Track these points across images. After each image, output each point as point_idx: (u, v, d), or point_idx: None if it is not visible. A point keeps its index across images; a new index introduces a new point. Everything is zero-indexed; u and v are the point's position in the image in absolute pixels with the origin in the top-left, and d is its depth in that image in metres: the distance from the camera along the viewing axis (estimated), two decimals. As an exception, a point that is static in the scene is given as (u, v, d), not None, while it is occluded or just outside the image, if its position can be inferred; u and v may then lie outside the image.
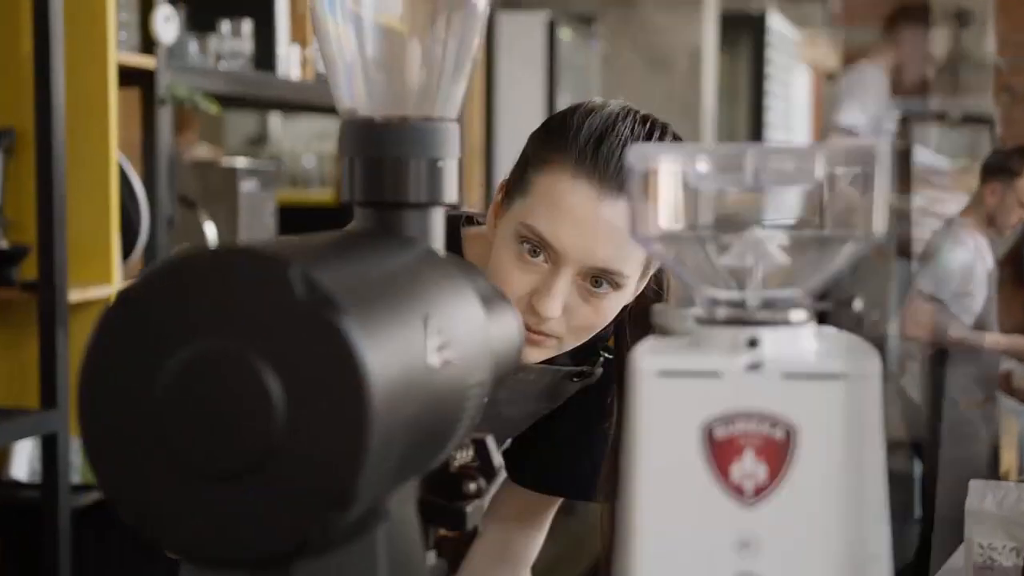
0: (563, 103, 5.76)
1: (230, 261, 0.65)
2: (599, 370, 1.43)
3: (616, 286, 1.25)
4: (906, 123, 4.75)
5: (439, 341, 0.73)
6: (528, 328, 1.24)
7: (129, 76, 2.67)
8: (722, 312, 0.74)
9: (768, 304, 0.74)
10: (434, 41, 0.86)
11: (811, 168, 0.72)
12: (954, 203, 4.42)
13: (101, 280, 2.56)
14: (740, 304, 0.74)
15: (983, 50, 9.54)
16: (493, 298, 0.90)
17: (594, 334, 1.30)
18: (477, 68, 4.63)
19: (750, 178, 0.74)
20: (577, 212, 1.22)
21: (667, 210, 0.74)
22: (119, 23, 2.63)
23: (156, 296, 0.66)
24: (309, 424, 0.63)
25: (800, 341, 0.72)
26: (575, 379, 1.42)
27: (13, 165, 2.49)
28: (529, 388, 1.40)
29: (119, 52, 2.59)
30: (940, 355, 4.36)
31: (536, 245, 1.24)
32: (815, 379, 0.70)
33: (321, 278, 0.65)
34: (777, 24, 7.47)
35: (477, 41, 0.87)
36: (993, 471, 4.29)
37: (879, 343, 4.68)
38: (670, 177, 0.74)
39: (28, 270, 2.45)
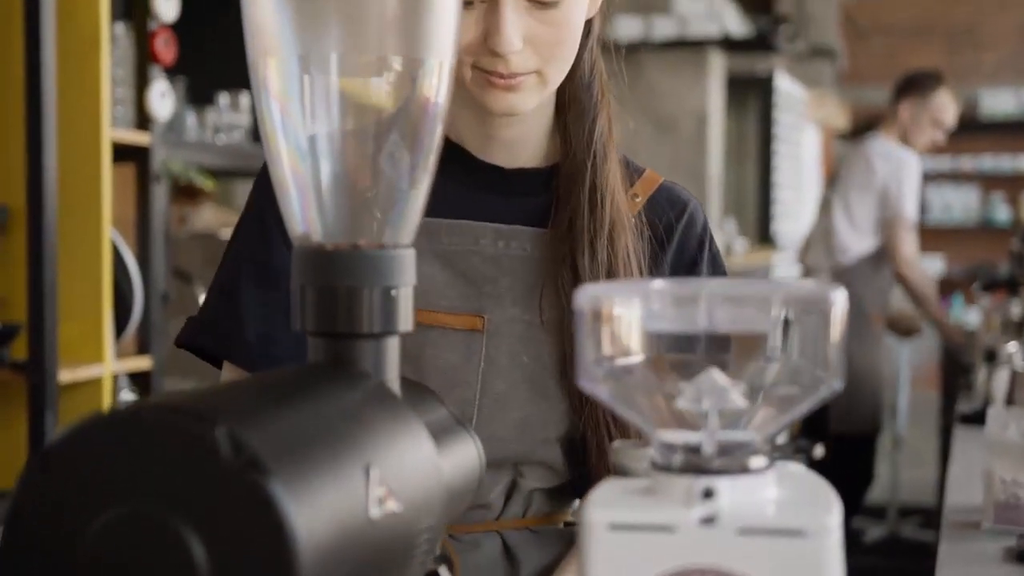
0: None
1: (155, 420, 0.63)
2: None
3: None
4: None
5: (382, 491, 0.71)
6: (499, 75, 1.16)
7: (124, 152, 2.66)
8: (677, 459, 0.71)
9: (725, 450, 0.71)
10: (388, 167, 0.84)
11: (766, 312, 0.70)
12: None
13: (93, 360, 2.53)
14: (696, 449, 0.71)
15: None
16: (448, 428, 0.87)
17: (573, 52, 1.20)
18: None
19: (704, 319, 0.71)
20: None
21: (617, 351, 0.72)
22: (115, 99, 2.62)
23: (79, 456, 0.63)
24: (232, 596, 0.60)
25: (758, 491, 0.70)
26: None
27: (5, 242, 2.48)
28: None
29: (114, 129, 2.59)
30: (854, 269, 4.44)
31: None
32: (772, 535, 0.67)
33: (249, 437, 0.62)
34: (785, 84, 7.48)
35: (432, 166, 0.85)
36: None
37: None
38: (620, 318, 0.71)
39: (18, 349, 2.43)
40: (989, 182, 10.08)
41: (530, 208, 1.25)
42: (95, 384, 2.55)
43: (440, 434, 0.83)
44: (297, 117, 0.82)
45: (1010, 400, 2.88)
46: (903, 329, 4.93)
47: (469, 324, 1.20)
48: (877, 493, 5.90)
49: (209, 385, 0.77)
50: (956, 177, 10.11)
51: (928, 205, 10.15)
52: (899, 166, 4.43)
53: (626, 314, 0.71)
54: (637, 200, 1.27)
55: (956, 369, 4.74)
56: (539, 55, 1.16)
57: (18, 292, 2.46)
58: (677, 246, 1.28)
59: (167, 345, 2.84)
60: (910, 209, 4.34)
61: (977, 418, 2.84)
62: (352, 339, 0.81)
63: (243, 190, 3.87)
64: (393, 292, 0.82)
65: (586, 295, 0.71)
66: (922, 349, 6.51)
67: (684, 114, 5.51)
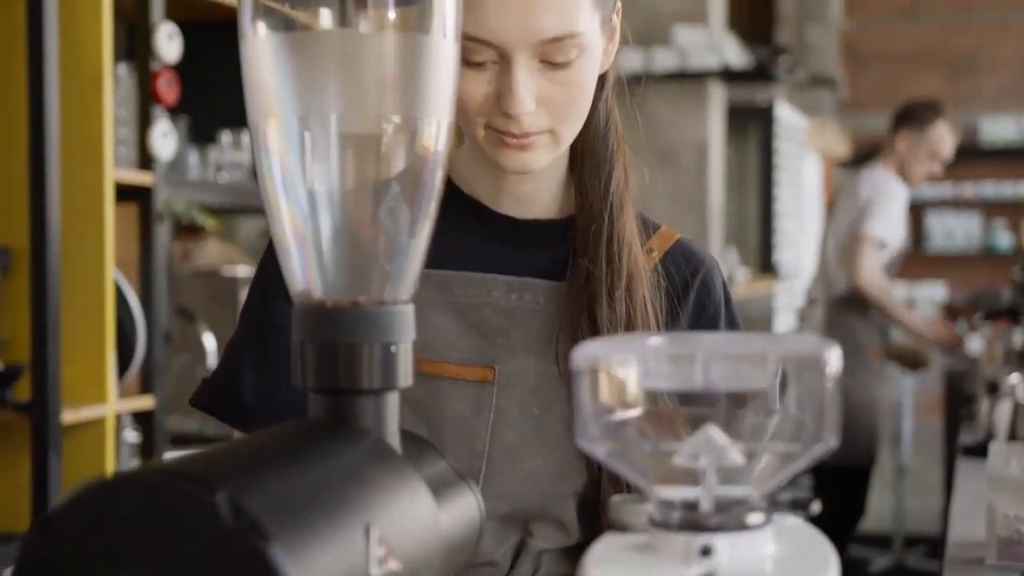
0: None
1: (156, 485, 0.63)
2: None
3: (578, 49, 1.14)
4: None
5: (382, 550, 0.71)
6: (512, 135, 1.15)
7: (127, 192, 2.68)
8: (675, 516, 0.71)
9: (723, 506, 0.72)
10: (387, 223, 0.85)
11: (762, 370, 0.70)
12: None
13: (96, 400, 2.54)
14: (694, 505, 0.71)
15: (829, 12, 9.61)
16: (448, 481, 0.88)
17: (585, 110, 1.18)
18: None
19: (701, 377, 0.72)
20: None
21: (614, 408, 0.72)
22: (117, 139, 2.64)
23: (81, 521, 0.64)
24: (231, 664, 0.61)
25: (756, 547, 0.70)
26: None
27: (9, 284, 2.49)
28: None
29: (117, 169, 2.60)
30: (847, 299, 4.44)
31: (474, 49, 1.12)
32: (770, 593, 0.67)
33: (249, 501, 0.63)
34: (785, 113, 7.50)
35: (431, 220, 0.85)
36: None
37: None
38: (617, 375, 0.72)
39: (22, 390, 2.44)
40: (991, 209, 10.10)
41: (544, 260, 1.25)
42: (98, 424, 2.55)
43: (440, 488, 0.84)
44: (297, 175, 0.83)
45: (1013, 432, 2.88)
46: (910, 363, 4.92)
47: (480, 375, 1.20)
48: (882, 522, 5.89)
49: (210, 447, 0.78)
50: (958, 204, 10.13)
51: (930, 232, 10.17)
52: (880, 188, 4.44)
53: (623, 372, 0.72)
54: (653, 254, 1.27)
55: (959, 398, 4.73)
56: (552, 115, 1.16)
57: (21, 333, 2.47)
58: (695, 305, 1.27)
59: (170, 384, 2.85)
60: (877, 228, 4.32)
61: (980, 450, 2.84)
62: (352, 395, 0.82)
63: (246, 226, 3.89)
64: (393, 348, 0.82)
65: (583, 353, 0.72)
66: (925, 376, 6.51)
67: (685, 145, 5.53)
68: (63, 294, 2.45)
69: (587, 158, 1.25)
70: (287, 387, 1.18)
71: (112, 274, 2.55)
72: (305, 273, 0.84)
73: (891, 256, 4.48)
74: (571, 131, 1.19)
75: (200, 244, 3.98)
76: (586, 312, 1.20)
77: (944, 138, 4.48)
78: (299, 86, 0.82)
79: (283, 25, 0.82)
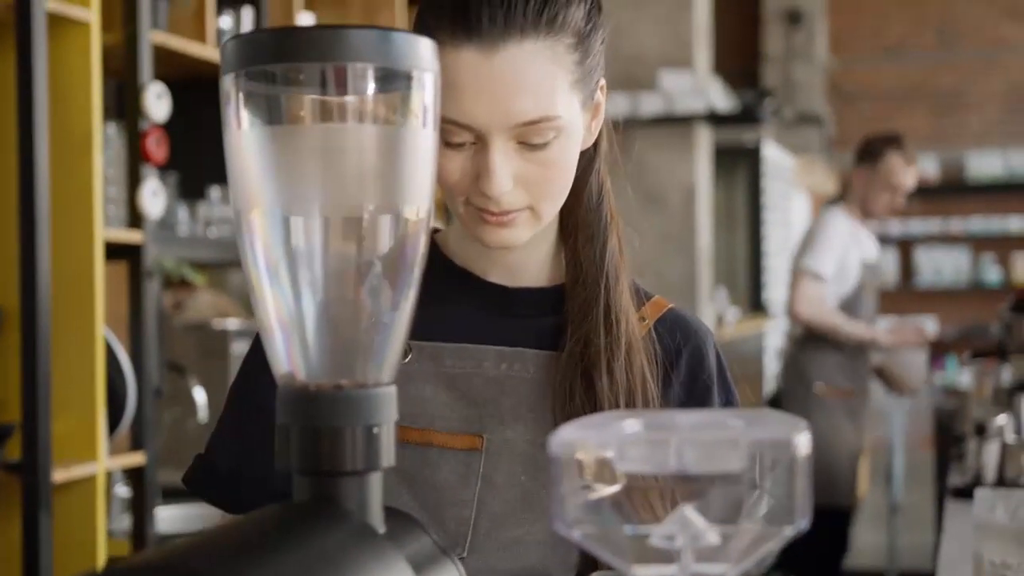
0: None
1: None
2: None
3: (556, 131, 1.14)
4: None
5: (365, 635, 0.73)
6: (491, 212, 1.16)
7: (117, 250, 2.70)
8: (652, 597, 0.73)
9: (699, 586, 0.73)
10: (369, 306, 0.87)
11: (734, 454, 0.72)
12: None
13: (87, 458, 2.55)
14: (671, 586, 0.73)
15: (815, 51, 9.69)
16: (432, 557, 0.89)
17: (565, 187, 1.19)
18: None
19: (674, 461, 0.73)
20: (471, 80, 1.12)
21: (590, 492, 0.74)
22: (107, 198, 2.66)
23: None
24: None
25: (732, 626, 0.72)
26: None
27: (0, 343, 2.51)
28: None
29: (107, 228, 2.62)
30: (801, 339, 4.43)
31: (453, 131, 1.14)
32: (744, 674, 0.69)
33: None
34: (772, 153, 7.55)
35: (411, 307, 0.87)
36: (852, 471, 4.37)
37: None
38: (593, 460, 0.74)
39: (12, 450, 2.44)
40: (979, 243, 10.15)
41: (536, 328, 1.25)
42: (89, 482, 2.56)
43: (423, 565, 0.85)
44: (280, 263, 0.85)
45: (1000, 474, 2.89)
46: (891, 383, 4.91)
47: (468, 444, 1.20)
48: (876, 559, 5.89)
49: (196, 533, 0.79)
50: (946, 239, 10.18)
51: (919, 267, 10.21)
52: (821, 223, 4.45)
53: (599, 456, 0.74)
54: (645, 322, 1.27)
55: (949, 436, 4.74)
56: (530, 193, 1.17)
57: (12, 392, 2.48)
58: (687, 375, 1.28)
59: (161, 438, 2.86)
60: (812, 261, 4.31)
61: (968, 492, 2.84)
62: (335, 477, 0.84)
63: (237, 277, 3.91)
64: (375, 430, 0.84)
65: (560, 439, 0.74)
66: (918, 410, 6.53)
67: (673, 187, 5.56)
68: (54, 353, 2.47)
69: (580, 230, 1.26)
70: (268, 469, 1.20)
71: (102, 332, 2.57)
72: (289, 357, 0.86)
73: (851, 290, 4.46)
74: (551, 207, 1.20)
75: (192, 295, 3.99)
76: (582, 382, 1.21)
77: (897, 169, 4.48)
78: (282, 178, 0.84)
79: (266, 118, 0.84)
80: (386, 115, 0.84)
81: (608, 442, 0.74)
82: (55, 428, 2.47)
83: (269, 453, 1.15)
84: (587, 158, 1.24)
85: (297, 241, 0.85)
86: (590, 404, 1.20)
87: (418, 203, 0.86)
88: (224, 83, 0.83)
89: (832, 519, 4.42)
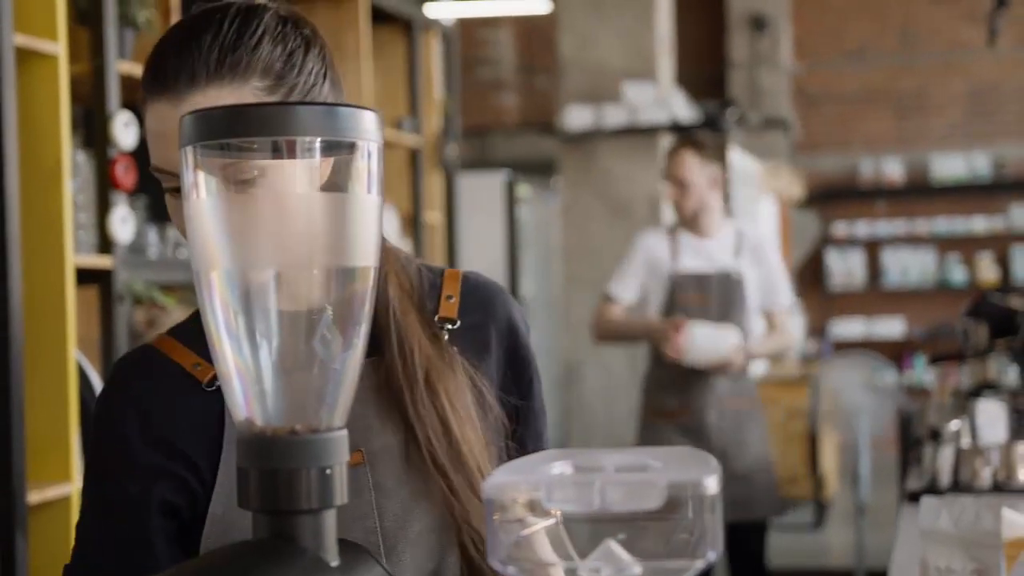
0: (524, 256, 5.89)
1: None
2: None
3: (259, 170, 1.15)
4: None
5: (318, 665, 0.80)
6: None
7: (87, 275, 2.75)
8: (578, 625, 0.80)
9: (623, 614, 0.81)
10: (321, 354, 0.94)
11: (653, 495, 0.79)
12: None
13: (60, 479, 2.60)
14: (596, 614, 0.81)
15: (780, 55, 9.82)
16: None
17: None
18: (439, 231, 4.61)
19: (598, 500, 0.81)
20: (166, 128, 1.20)
21: (522, 531, 0.81)
22: (77, 225, 2.72)
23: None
24: None
25: (651, 651, 0.79)
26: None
27: (-27, 368, 2.56)
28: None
29: (77, 254, 2.68)
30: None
31: (166, 179, 1.22)
32: None
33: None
34: (738, 159, 7.64)
35: (359, 362, 0.94)
36: None
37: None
38: (524, 502, 0.81)
39: (-14, 473, 2.50)
40: (944, 244, 10.28)
41: None
42: (63, 503, 2.61)
43: (375, 596, 0.92)
44: (238, 317, 0.92)
45: (955, 478, 2.97)
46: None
47: (352, 461, 1.25)
48: (844, 558, 5.99)
49: (161, 573, 0.86)
50: (912, 240, 10.31)
51: (886, 268, 10.34)
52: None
53: (529, 498, 0.81)
54: (451, 300, 1.34)
55: (909, 438, 4.81)
56: None
57: (-14, 416, 2.53)
58: (500, 339, 1.36)
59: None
60: (611, 285, 4.20)
61: (923, 496, 2.90)
62: (292, 516, 0.91)
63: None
64: (328, 471, 0.91)
65: (492, 483, 0.81)
66: (884, 411, 6.62)
67: (637, 197, 5.65)
68: (27, 376, 2.52)
69: None
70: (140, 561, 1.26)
71: (74, 355, 2.62)
72: (247, 404, 0.93)
73: (649, 296, 4.21)
74: None
75: (165, 311, 4.04)
76: (399, 413, 1.28)
77: (662, 160, 4.31)
78: (237, 240, 0.91)
79: (221, 187, 0.92)
80: (333, 182, 0.91)
81: (537, 484, 0.81)
82: (29, 450, 2.53)
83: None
84: None
85: (252, 297, 0.92)
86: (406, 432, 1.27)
87: (365, 259, 0.93)
88: (183, 155, 0.90)
89: (748, 535, 4.36)
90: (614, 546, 0.81)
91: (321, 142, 0.90)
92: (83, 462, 1.35)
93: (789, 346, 4.43)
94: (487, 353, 1.35)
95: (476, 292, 1.37)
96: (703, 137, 4.27)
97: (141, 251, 2.99)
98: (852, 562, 5.74)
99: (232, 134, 0.90)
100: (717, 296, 4.14)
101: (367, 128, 0.92)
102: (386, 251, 1.32)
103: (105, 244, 2.79)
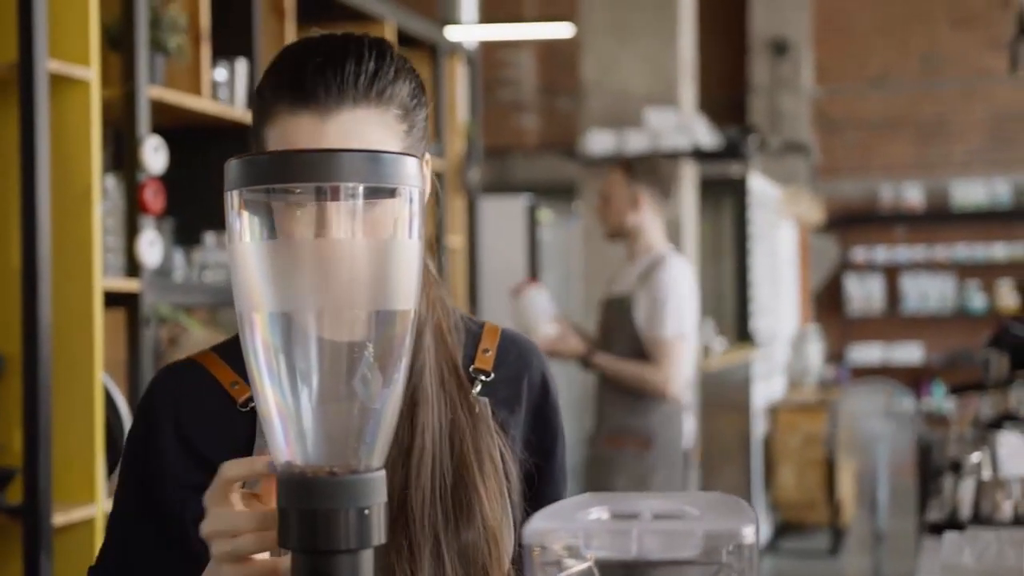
0: (545, 279, 5.90)
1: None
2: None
3: (388, 193, 1.21)
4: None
5: None
6: None
7: (115, 298, 2.78)
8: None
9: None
10: (361, 400, 0.95)
11: (690, 544, 0.80)
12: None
13: (85, 500, 2.62)
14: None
15: (801, 80, 9.79)
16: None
17: None
18: (461, 254, 4.61)
19: (635, 548, 0.82)
20: (308, 142, 1.19)
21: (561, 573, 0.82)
22: (106, 248, 2.74)
23: None
24: None
25: None
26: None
27: (2, 389, 2.58)
28: None
29: (105, 277, 2.70)
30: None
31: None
32: None
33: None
34: (758, 184, 7.65)
35: (398, 402, 0.96)
36: None
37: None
38: (563, 548, 0.82)
39: (14, 494, 2.52)
40: (964, 271, 10.24)
41: None
42: (88, 524, 2.63)
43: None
44: (280, 361, 0.93)
45: (976, 511, 2.96)
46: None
47: None
48: (861, 589, 5.97)
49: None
50: (931, 266, 10.27)
51: (905, 294, 10.31)
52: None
53: (567, 544, 0.82)
54: (487, 354, 1.35)
55: (929, 465, 4.79)
56: None
57: (14, 437, 2.55)
58: (530, 397, 1.36)
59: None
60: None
61: (943, 528, 2.90)
62: (330, 555, 0.92)
63: (230, 315, 3.98)
64: (367, 511, 0.93)
65: (531, 529, 0.82)
66: (902, 438, 6.60)
67: (658, 223, 5.65)
68: (54, 399, 2.55)
69: None
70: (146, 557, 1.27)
71: (101, 378, 2.65)
72: (288, 445, 0.95)
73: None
74: None
75: (186, 332, 4.07)
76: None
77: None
78: (280, 284, 0.93)
79: (265, 232, 0.93)
80: (374, 227, 0.93)
81: (576, 531, 0.82)
82: (55, 472, 2.55)
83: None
84: None
85: (293, 339, 0.93)
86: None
87: (405, 302, 0.94)
88: (228, 199, 0.92)
89: None
90: (649, 593, 0.82)
91: (364, 188, 0.91)
92: (119, 466, 1.35)
93: (650, 380, 3.86)
94: (517, 409, 1.35)
95: (512, 348, 1.38)
96: (646, 163, 4.21)
97: (168, 274, 3.01)
98: (870, 590, 5.73)
99: (277, 179, 0.91)
100: (604, 320, 4.07)
101: (409, 173, 0.93)
102: (431, 299, 1.33)
103: (133, 267, 2.81)
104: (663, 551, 0.81)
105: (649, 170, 4.08)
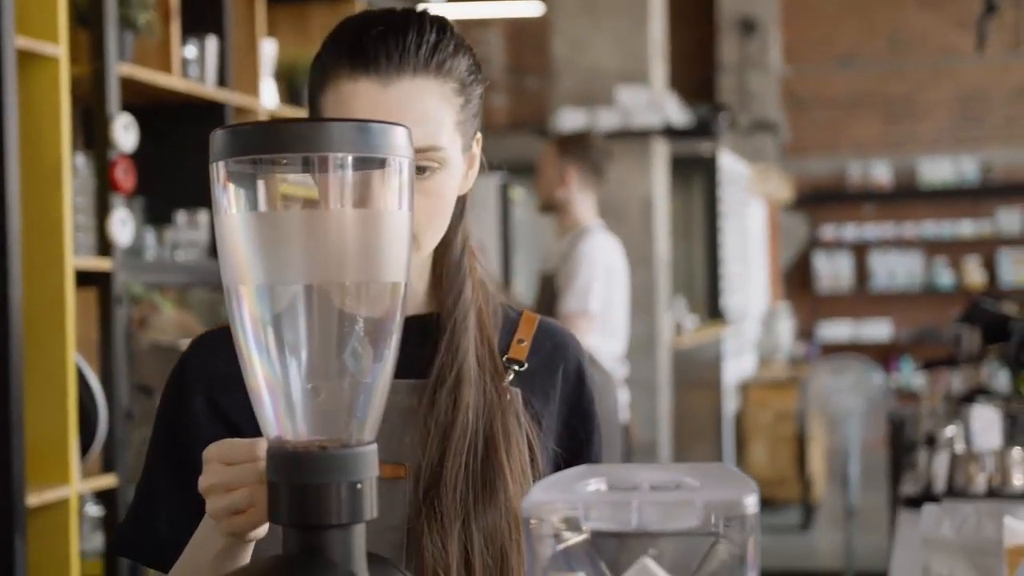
0: (518, 260, 5.89)
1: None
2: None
3: (439, 163, 1.23)
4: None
5: None
6: None
7: (86, 277, 2.75)
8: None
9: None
10: (351, 375, 0.94)
11: (690, 514, 0.80)
12: None
13: (59, 481, 2.60)
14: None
15: (769, 59, 9.84)
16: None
17: (445, 222, 1.27)
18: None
19: (635, 519, 0.81)
20: (367, 107, 1.21)
21: (559, 547, 0.82)
22: (76, 227, 2.71)
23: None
24: None
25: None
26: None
27: (-28, 370, 2.55)
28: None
29: (76, 256, 2.67)
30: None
31: None
32: None
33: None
34: (728, 162, 7.66)
35: (389, 376, 0.94)
36: None
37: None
38: (562, 520, 0.81)
39: (-14, 476, 2.49)
40: (931, 247, 10.31)
41: (412, 357, 1.27)
42: (62, 505, 2.61)
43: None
44: (268, 332, 0.92)
45: (950, 484, 2.98)
46: None
47: (392, 473, 1.24)
48: (833, 560, 6.00)
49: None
50: (899, 243, 10.33)
51: (873, 271, 10.37)
52: None
53: (567, 516, 0.81)
54: (523, 344, 1.34)
55: (901, 440, 4.81)
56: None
57: (-15, 419, 2.52)
58: (565, 386, 1.35)
59: (131, 458, 2.91)
60: None
61: (919, 502, 2.90)
62: (322, 530, 0.91)
63: (201, 295, 3.95)
64: (359, 486, 0.92)
65: (531, 501, 0.81)
66: (872, 414, 6.63)
67: (630, 200, 5.65)
68: (26, 379, 2.52)
69: (444, 275, 1.32)
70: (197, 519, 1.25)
71: (73, 358, 2.62)
72: (278, 420, 0.93)
73: None
74: (431, 239, 1.26)
75: (156, 312, 4.03)
76: (425, 409, 1.27)
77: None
78: (267, 256, 0.91)
79: (252, 203, 0.91)
80: (363, 198, 0.91)
81: (575, 503, 0.81)
82: (28, 453, 2.52)
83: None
84: (458, 209, 1.31)
85: (282, 312, 0.92)
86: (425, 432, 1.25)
87: (396, 275, 0.93)
88: (213, 170, 0.90)
89: None
90: (651, 563, 0.81)
91: (353, 158, 0.90)
92: (154, 424, 1.34)
93: None
94: (551, 399, 1.34)
95: (548, 338, 1.36)
96: (577, 140, 4.22)
97: (139, 253, 2.98)
98: (840, 564, 5.76)
99: (265, 149, 0.90)
100: (539, 296, 4.14)
101: (398, 144, 0.92)
102: (476, 282, 1.32)
103: (104, 246, 2.78)
104: (663, 522, 0.80)
105: (579, 147, 4.10)
